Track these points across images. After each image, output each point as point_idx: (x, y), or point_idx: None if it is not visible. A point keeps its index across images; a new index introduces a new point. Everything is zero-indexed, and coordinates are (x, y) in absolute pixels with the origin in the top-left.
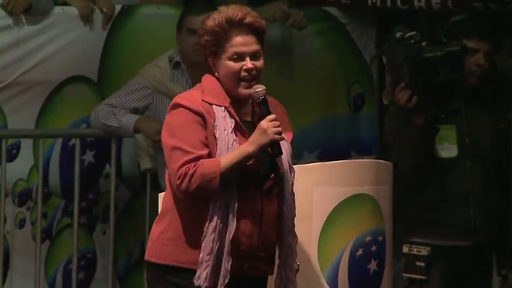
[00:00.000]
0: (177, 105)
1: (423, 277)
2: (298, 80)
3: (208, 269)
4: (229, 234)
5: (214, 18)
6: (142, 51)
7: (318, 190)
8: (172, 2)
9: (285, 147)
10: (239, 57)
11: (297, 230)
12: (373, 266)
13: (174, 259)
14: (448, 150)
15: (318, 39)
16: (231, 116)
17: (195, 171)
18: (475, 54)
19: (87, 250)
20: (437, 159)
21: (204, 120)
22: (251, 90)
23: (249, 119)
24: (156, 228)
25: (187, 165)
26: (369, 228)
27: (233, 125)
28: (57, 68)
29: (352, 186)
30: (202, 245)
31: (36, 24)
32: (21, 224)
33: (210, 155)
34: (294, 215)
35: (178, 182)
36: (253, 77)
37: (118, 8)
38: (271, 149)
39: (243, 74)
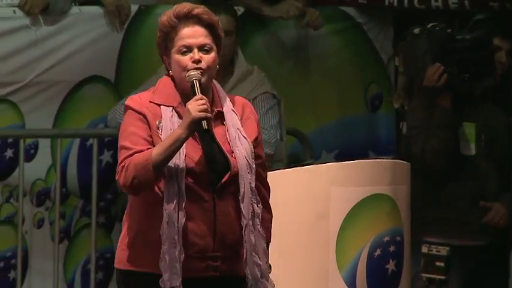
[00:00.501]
0: (125, 107)
1: (442, 277)
2: (315, 80)
3: (168, 271)
4: (178, 234)
5: (166, 14)
6: None
7: (335, 190)
8: (189, 1)
9: (244, 144)
10: (187, 49)
11: (315, 230)
12: (391, 266)
13: (131, 264)
14: (467, 147)
15: (335, 39)
16: (179, 116)
17: (129, 164)
18: (497, 52)
19: (106, 250)
20: (459, 154)
21: (146, 120)
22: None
23: None
24: (121, 235)
25: (125, 161)
26: (387, 228)
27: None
28: (74, 68)
29: (370, 186)
30: (165, 247)
31: (54, 24)
32: (39, 224)
33: None
34: (257, 213)
35: (117, 177)
36: (203, 68)
37: (135, 8)
38: (198, 126)
39: (192, 66)
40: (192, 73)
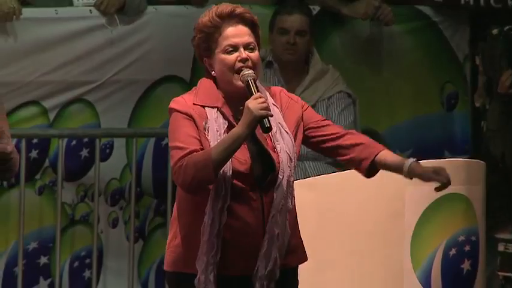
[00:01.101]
0: (170, 110)
1: None
2: (390, 79)
3: (204, 273)
4: (218, 236)
5: (205, 15)
6: None
7: (410, 190)
8: (264, 1)
9: (286, 139)
10: (233, 49)
11: (390, 229)
12: (466, 265)
13: (180, 265)
14: None
15: (410, 37)
16: (224, 116)
17: (187, 163)
18: None
19: None
20: None
21: (193, 120)
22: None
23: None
24: (169, 237)
25: (181, 160)
26: (462, 227)
27: (226, 126)
28: (150, 67)
29: None
30: (204, 248)
31: (130, 23)
32: (114, 224)
33: None
34: (289, 208)
35: (175, 177)
36: (250, 67)
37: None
38: (260, 125)
39: (238, 64)
40: (246, 72)
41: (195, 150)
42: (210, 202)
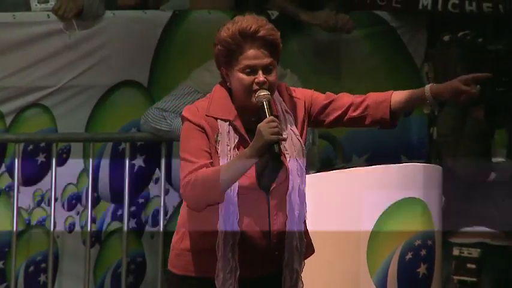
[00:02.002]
0: (183, 118)
1: (474, 279)
2: (348, 84)
3: (232, 278)
4: (233, 251)
5: (228, 29)
6: (193, 55)
7: (368, 194)
8: (223, 6)
9: (296, 146)
10: (252, 70)
11: (346, 234)
12: (422, 269)
13: (189, 269)
14: (498, 154)
15: (368, 43)
16: (236, 130)
17: (195, 179)
18: None
19: (136, 254)
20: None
21: (205, 132)
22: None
23: (254, 128)
24: (174, 238)
25: (190, 175)
26: (418, 232)
27: (237, 140)
28: (107, 72)
29: (402, 190)
30: (220, 265)
31: (87, 28)
32: (70, 228)
33: (213, 166)
34: (303, 216)
35: (182, 191)
36: (265, 89)
37: (169, 13)
38: (269, 150)
39: (255, 87)
40: (262, 93)
41: (205, 165)
42: (220, 219)
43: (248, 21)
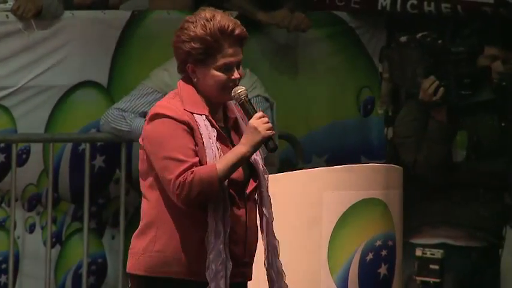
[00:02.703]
0: (160, 115)
1: (437, 280)
2: (307, 84)
3: (214, 280)
4: (224, 243)
5: (204, 26)
6: (152, 56)
7: (327, 195)
8: (182, 7)
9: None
10: (228, 68)
11: (307, 234)
12: (383, 270)
13: (165, 271)
14: (458, 155)
15: (327, 43)
16: (212, 124)
17: (192, 178)
18: (493, 62)
19: (97, 255)
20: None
21: (190, 129)
22: (232, 94)
23: (221, 124)
24: (141, 241)
25: (184, 174)
26: (379, 232)
27: (215, 134)
28: (67, 72)
29: (362, 191)
30: (211, 256)
31: (47, 28)
32: (31, 229)
33: (200, 163)
34: (273, 218)
35: (178, 191)
36: (237, 85)
37: (128, 13)
38: (266, 145)
39: (230, 84)
40: (239, 91)
41: (196, 164)
42: (210, 211)
43: (224, 19)
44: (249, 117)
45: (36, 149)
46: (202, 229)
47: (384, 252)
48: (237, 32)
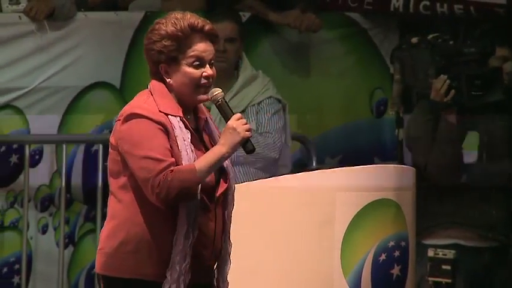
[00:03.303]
0: (136, 115)
1: (449, 280)
2: (320, 86)
3: (175, 282)
4: (190, 247)
5: (175, 24)
6: None
7: (340, 195)
8: (195, 8)
9: None
10: (200, 63)
11: (320, 235)
12: (396, 271)
13: (138, 272)
14: (469, 156)
15: (340, 44)
16: (186, 126)
17: (172, 178)
18: (505, 62)
19: None
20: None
21: (166, 130)
22: (208, 95)
23: (193, 126)
24: (112, 241)
25: (163, 173)
26: (391, 233)
27: (189, 136)
28: (80, 73)
29: (375, 192)
30: (177, 258)
31: (59, 30)
32: (44, 230)
33: (176, 165)
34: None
35: (157, 190)
36: (211, 83)
37: (141, 14)
38: (244, 146)
39: (203, 81)
40: (216, 92)
41: (173, 164)
42: (182, 214)
43: (193, 17)
44: (227, 118)
45: (49, 150)
46: (172, 230)
47: (396, 253)
48: (207, 27)
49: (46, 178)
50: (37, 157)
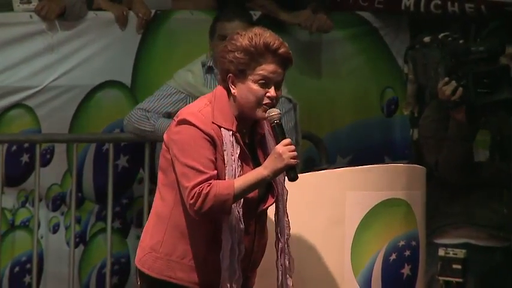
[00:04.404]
0: (187, 122)
1: (459, 280)
2: (331, 85)
3: None
4: (238, 263)
5: (251, 39)
6: (175, 56)
7: (351, 195)
8: (206, 7)
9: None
10: (266, 83)
11: (330, 234)
12: (406, 270)
13: (167, 274)
14: (480, 154)
15: (351, 43)
16: (237, 141)
17: (209, 191)
18: None
19: (121, 254)
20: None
21: (213, 142)
22: (266, 114)
23: (246, 140)
24: (150, 238)
25: (201, 185)
26: (402, 232)
27: (239, 151)
28: (90, 72)
29: (386, 191)
30: (227, 274)
31: (70, 29)
32: (55, 229)
33: (218, 178)
34: (289, 235)
35: (192, 201)
36: (273, 105)
37: (151, 13)
38: (287, 173)
39: (266, 101)
40: (274, 113)
41: (214, 177)
42: (227, 229)
43: (271, 36)
44: (278, 141)
45: (60, 149)
46: (209, 240)
47: (407, 253)
48: (281, 50)
49: (57, 177)
50: (48, 156)
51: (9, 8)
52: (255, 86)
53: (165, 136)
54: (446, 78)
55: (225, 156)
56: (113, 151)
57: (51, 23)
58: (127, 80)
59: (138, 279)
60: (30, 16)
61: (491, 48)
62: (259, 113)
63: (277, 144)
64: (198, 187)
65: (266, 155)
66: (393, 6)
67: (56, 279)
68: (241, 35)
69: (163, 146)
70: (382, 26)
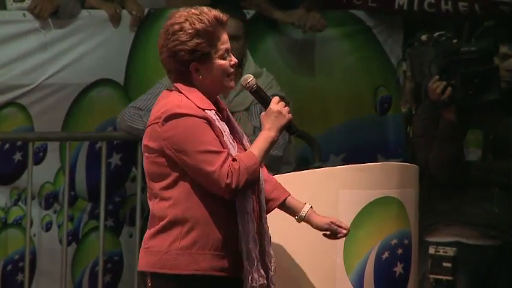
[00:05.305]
0: (179, 115)
1: (450, 278)
2: (324, 83)
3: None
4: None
5: (201, 20)
6: None
7: (343, 193)
8: (199, 5)
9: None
10: (227, 54)
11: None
12: (399, 269)
13: (193, 267)
14: (472, 153)
15: (344, 42)
16: (221, 119)
17: (239, 166)
18: (505, 60)
19: (114, 253)
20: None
21: (210, 124)
22: (241, 83)
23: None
24: (162, 240)
25: (227, 163)
26: (394, 231)
27: (226, 127)
28: (83, 71)
29: (378, 189)
30: (248, 246)
31: (63, 27)
32: (47, 227)
33: None
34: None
35: (228, 180)
36: (236, 71)
37: (145, 11)
38: (289, 128)
39: (231, 69)
40: (249, 80)
41: (229, 153)
42: (244, 214)
43: (211, 9)
44: (265, 103)
45: (53, 147)
46: (224, 225)
47: (399, 251)
48: (225, 18)
49: (50, 175)
50: (41, 154)
51: (2, 6)
52: (221, 61)
53: (149, 143)
54: (436, 77)
55: (222, 133)
56: (106, 149)
57: (44, 22)
58: (120, 79)
59: (154, 284)
60: (24, 14)
61: (483, 48)
62: (228, 83)
63: (265, 106)
64: (225, 165)
65: (234, 128)
66: (387, 4)
67: (49, 278)
68: (185, 22)
69: (147, 154)
70: (376, 25)
